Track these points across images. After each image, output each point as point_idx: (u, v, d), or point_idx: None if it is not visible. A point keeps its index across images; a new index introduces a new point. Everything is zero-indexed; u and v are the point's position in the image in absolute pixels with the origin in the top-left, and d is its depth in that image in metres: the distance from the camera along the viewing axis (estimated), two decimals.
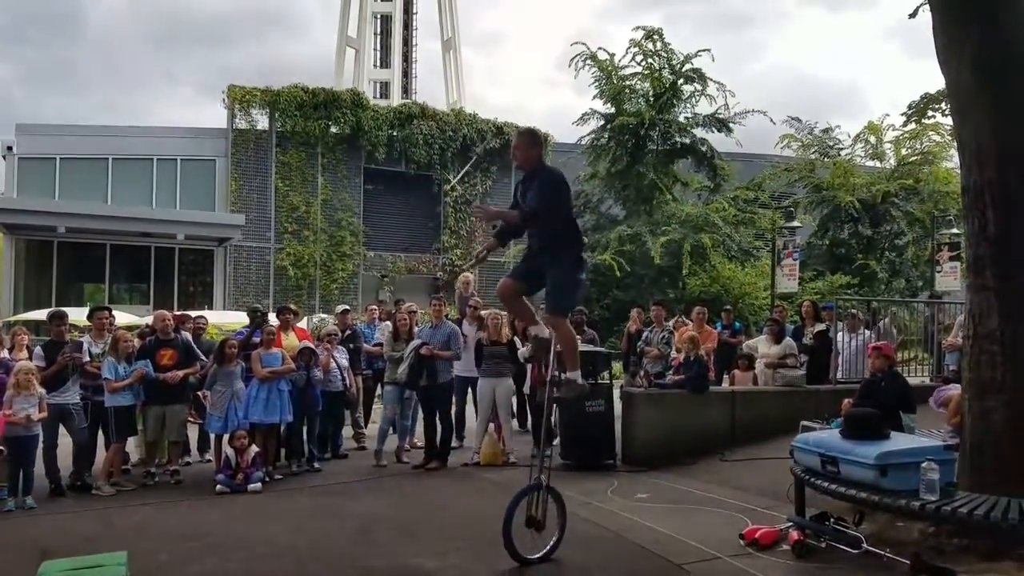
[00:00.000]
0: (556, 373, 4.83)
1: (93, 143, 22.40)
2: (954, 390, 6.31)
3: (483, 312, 8.63)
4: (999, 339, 4.65)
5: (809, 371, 9.32)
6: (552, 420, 8.50)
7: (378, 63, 38.22)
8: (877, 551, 4.35)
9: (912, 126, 15.54)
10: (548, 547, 4.63)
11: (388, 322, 9.11)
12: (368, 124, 23.73)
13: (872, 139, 24.71)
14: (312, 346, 8.01)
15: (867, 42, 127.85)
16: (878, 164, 25.07)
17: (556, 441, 8.18)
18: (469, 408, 8.89)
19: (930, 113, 10.20)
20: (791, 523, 4.86)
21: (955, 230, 15.33)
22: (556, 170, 4.74)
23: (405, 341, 8.10)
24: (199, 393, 7.89)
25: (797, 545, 4.61)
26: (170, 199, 22.85)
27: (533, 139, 4.74)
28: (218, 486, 6.75)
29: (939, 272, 17.40)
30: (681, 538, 5.03)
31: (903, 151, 24.26)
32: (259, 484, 6.84)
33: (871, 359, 6.54)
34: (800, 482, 4.90)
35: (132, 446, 7.73)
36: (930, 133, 22.34)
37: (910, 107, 10.04)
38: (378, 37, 38.63)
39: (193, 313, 9.62)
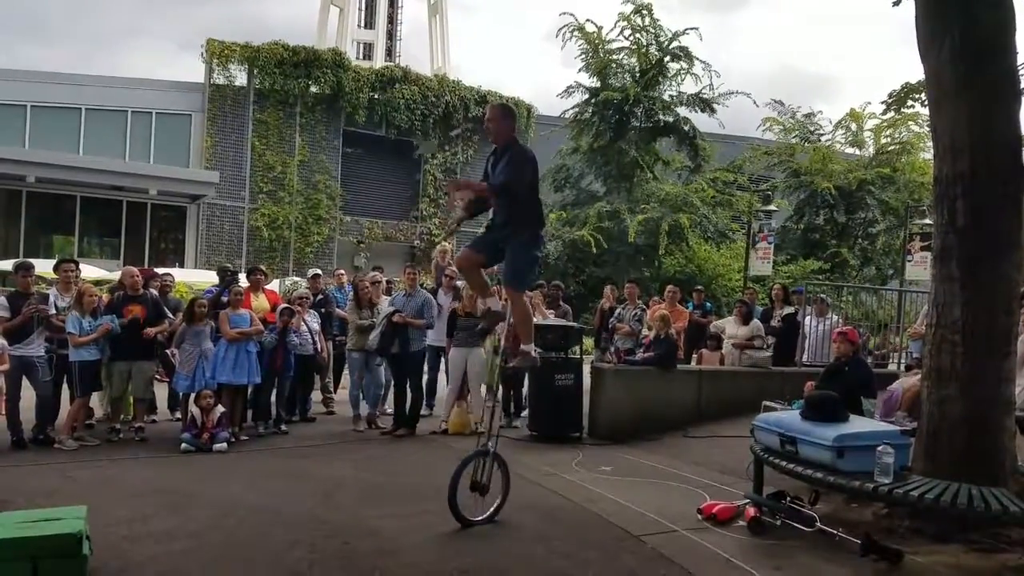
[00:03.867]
0: (508, 347, 5.12)
1: (66, 92, 21.75)
2: (899, 389, 6.46)
3: (459, 282, 8.60)
4: (960, 329, 4.75)
5: (776, 353, 9.48)
6: (519, 391, 8.66)
7: (362, 23, 37.44)
8: (830, 530, 4.47)
9: (892, 114, 15.74)
10: (491, 510, 4.83)
11: None
12: (349, 85, 23.33)
13: (853, 126, 24.90)
14: (292, 307, 7.98)
15: (855, 28, 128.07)
16: (857, 151, 25.30)
17: (525, 413, 8.31)
18: (441, 377, 8.92)
19: (910, 102, 10.31)
20: (748, 500, 4.97)
21: (928, 220, 15.58)
22: (526, 148, 4.87)
23: (368, 309, 8.08)
24: (167, 351, 7.82)
25: (753, 522, 4.71)
26: (143, 153, 22.36)
27: (506, 113, 4.82)
28: (183, 445, 6.72)
29: (910, 261, 17.73)
30: (641, 510, 5.12)
31: (882, 139, 24.49)
32: (224, 444, 6.82)
33: (836, 344, 6.65)
34: (759, 460, 5.01)
35: (96, 402, 7.65)
36: (909, 123, 22.57)
37: (890, 96, 10.13)
38: None
39: (160, 271, 9.46)
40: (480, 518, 4.75)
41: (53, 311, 6.95)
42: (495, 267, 5.88)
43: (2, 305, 6.83)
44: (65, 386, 7.17)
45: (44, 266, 9.57)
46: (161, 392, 8.19)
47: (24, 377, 6.75)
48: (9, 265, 11.54)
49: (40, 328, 6.81)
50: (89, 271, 13.76)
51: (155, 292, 7.84)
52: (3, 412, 6.70)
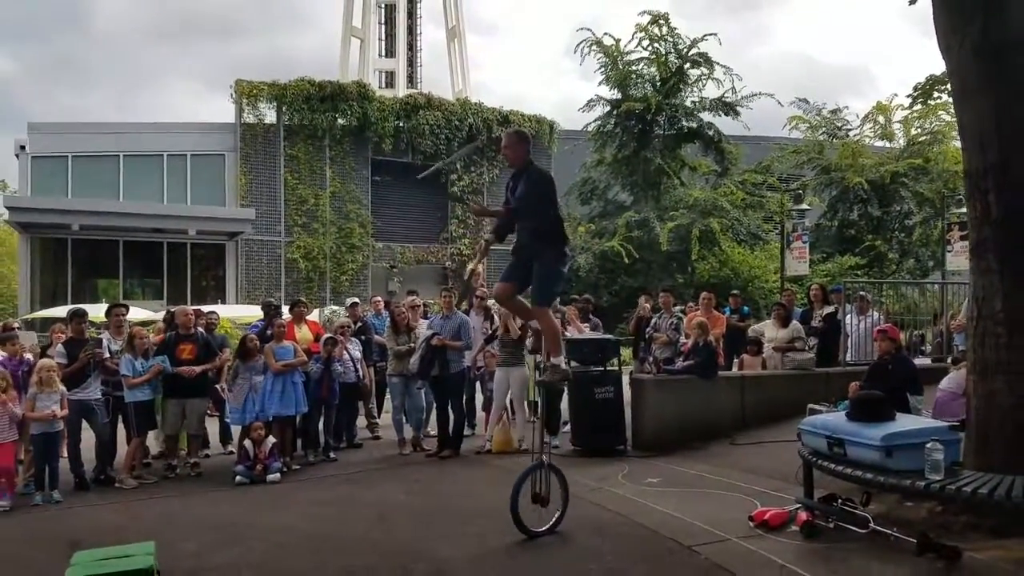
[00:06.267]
0: (542, 360, 5.26)
1: (104, 140, 22.56)
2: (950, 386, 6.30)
3: (490, 302, 8.71)
4: (1003, 320, 4.71)
5: (819, 354, 9.37)
6: (556, 407, 8.69)
7: (383, 53, 38.18)
8: (884, 530, 4.43)
9: (919, 107, 15.50)
10: (553, 521, 4.95)
11: None
12: (375, 115, 23.79)
13: (881, 119, 24.59)
14: (335, 337, 8.16)
15: (877, 22, 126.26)
16: (887, 144, 24.94)
17: (567, 428, 8.34)
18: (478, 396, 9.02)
19: (936, 94, 10.17)
20: (799, 505, 4.94)
21: (965, 209, 15.25)
22: (543, 170, 5.10)
23: (405, 334, 8.23)
24: (217, 387, 8.06)
25: (805, 526, 4.69)
26: (181, 194, 23.03)
27: (520, 138, 5.03)
28: (237, 477, 6.90)
29: (950, 251, 17.36)
30: (691, 521, 5.12)
31: (912, 131, 24.11)
32: (277, 474, 7.00)
33: (877, 342, 6.58)
34: (808, 464, 4.98)
35: (152, 439, 7.89)
36: (940, 112, 22.17)
37: (916, 89, 10.01)
38: (383, 26, 38.58)
39: (205, 308, 9.75)
40: (542, 529, 4.88)
41: (107, 355, 7.22)
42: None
43: (60, 352, 7.13)
44: (121, 426, 7.42)
45: (93, 311, 9.94)
46: (212, 427, 8.41)
47: (83, 420, 7.02)
48: (60, 311, 11.99)
49: (96, 372, 7.08)
50: (135, 313, 14.22)
51: (204, 331, 8.08)
52: (66, 455, 6.96)
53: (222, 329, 10.62)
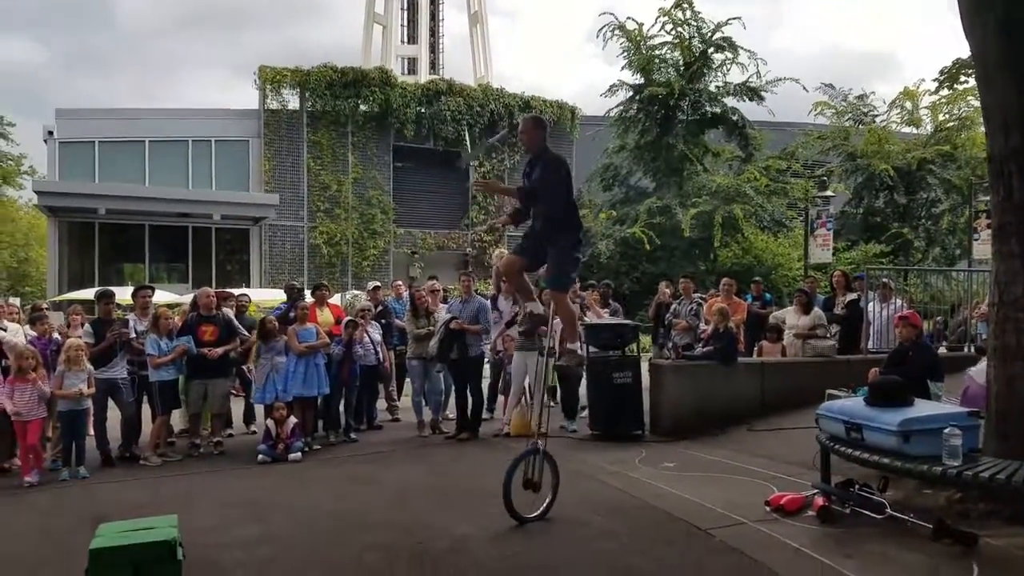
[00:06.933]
0: (553, 345, 5.34)
1: (130, 126, 22.92)
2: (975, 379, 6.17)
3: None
4: None
5: (841, 341, 9.29)
6: (574, 392, 8.73)
7: (405, 39, 38.21)
8: (901, 516, 4.42)
9: (946, 92, 15.18)
10: (543, 507, 4.96)
11: None
12: (397, 102, 23.87)
13: (908, 105, 24.13)
14: (356, 320, 8.26)
15: (905, 4, 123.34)
16: (914, 130, 24.49)
17: (584, 412, 8.38)
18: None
19: (963, 78, 9.95)
20: (816, 490, 4.94)
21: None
22: (558, 155, 5.10)
23: (425, 318, 8.29)
24: (244, 368, 8.19)
25: (822, 511, 4.68)
26: (205, 180, 23.34)
27: (537, 124, 5.06)
28: (260, 456, 7.04)
29: (976, 240, 17.05)
30: (707, 504, 5.14)
31: (940, 116, 23.64)
32: (299, 454, 7.12)
33: (898, 329, 6.52)
34: (825, 449, 4.97)
35: (176, 418, 8.05)
36: (968, 98, 21.69)
37: (942, 72, 9.82)
38: (405, 12, 38.58)
39: (236, 291, 9.90)
40: (534, 515, 4.90)
41: (133, 335, 7.38)
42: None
43: (87, 332, 7.30)
44: (146, 405, 7.59)
45: (120, 293, 10.14)
46: (236, 407, 8.56)
47: (109, 398, 7.18)
48: (87, 294, 12.24)
49: (122, 352, 7.24)
50: (160, 296, 14.47)
51: (228, 312, 8.21)
52: (92, 432, 7.13)
53: (250, 313, 10.78)
